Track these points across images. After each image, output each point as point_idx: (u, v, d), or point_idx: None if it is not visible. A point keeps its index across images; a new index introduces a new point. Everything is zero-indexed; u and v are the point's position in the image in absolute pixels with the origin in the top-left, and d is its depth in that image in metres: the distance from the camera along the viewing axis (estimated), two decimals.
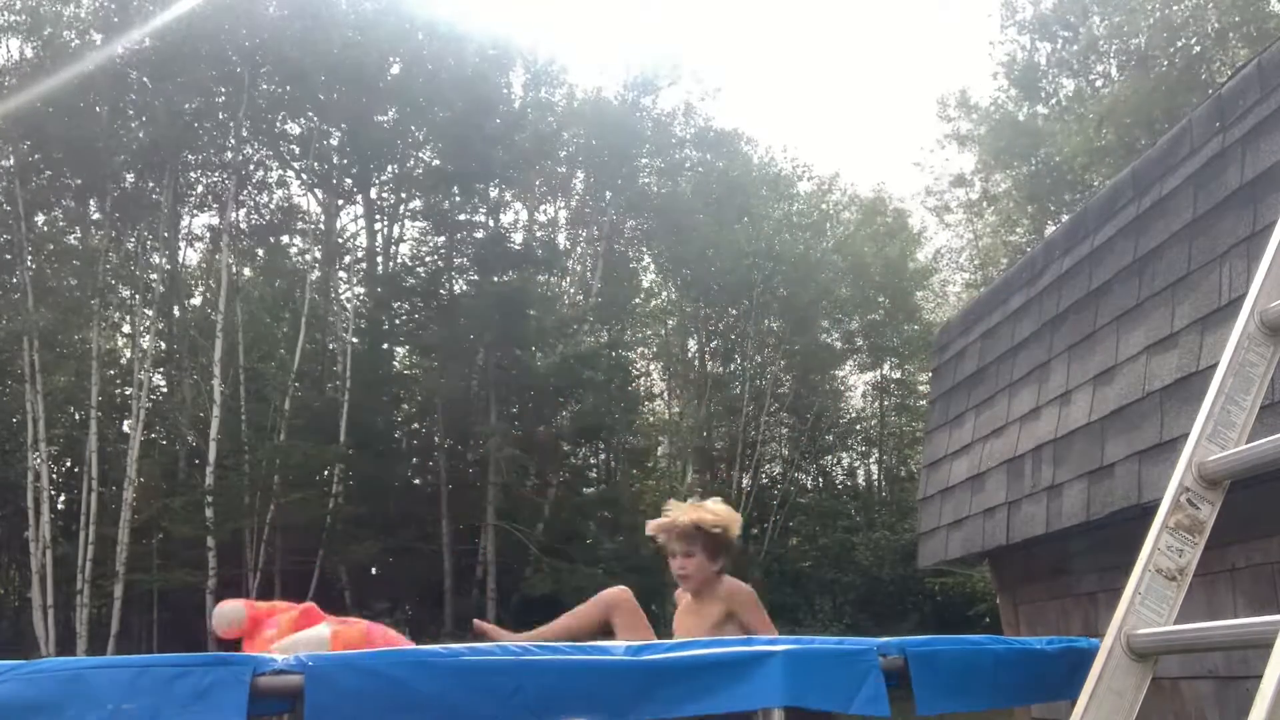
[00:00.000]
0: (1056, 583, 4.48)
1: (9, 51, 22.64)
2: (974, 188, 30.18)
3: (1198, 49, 23.63)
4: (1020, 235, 28.60)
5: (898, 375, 34.67)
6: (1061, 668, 2.77)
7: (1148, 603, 1.90)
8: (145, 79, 23.30)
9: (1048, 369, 4.32)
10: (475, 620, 3.55)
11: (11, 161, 22.14)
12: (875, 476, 34.86)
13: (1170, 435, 3.41)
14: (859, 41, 65.30)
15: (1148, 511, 3.52)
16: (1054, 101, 27.30)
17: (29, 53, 22.60)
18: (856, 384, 35.44)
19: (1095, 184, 24.54)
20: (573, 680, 2.11)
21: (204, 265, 28.80)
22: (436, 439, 25.21)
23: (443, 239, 26.35)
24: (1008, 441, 4.53)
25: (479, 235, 25.30)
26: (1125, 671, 1.85)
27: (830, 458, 34.91)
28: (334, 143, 26.51)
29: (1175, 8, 23.93)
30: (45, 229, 24.72)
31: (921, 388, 33.37)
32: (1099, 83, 26.70)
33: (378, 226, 28.73)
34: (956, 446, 5.11)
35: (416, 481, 26.60)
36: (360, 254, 28.34)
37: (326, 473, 23.70)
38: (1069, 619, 4.39)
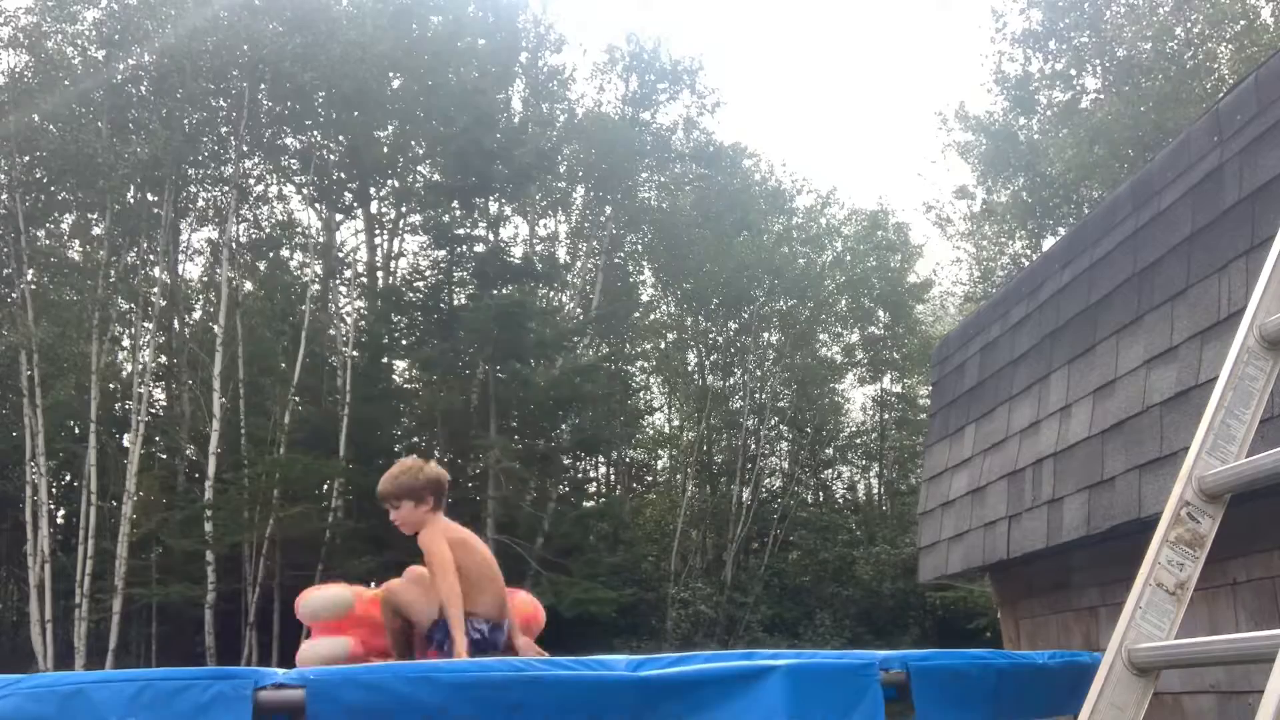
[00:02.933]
0: (1057, 597, 4.47)
1: (10, 66, 22.70)
2: (975, 200, 30.23)
3: (1190, 64, 23.71)
4: (1019, 247, 28.65)
5: (898, 389, 34.66)
6: (1063, 682, 2.78)
7: (1149, 617, 1.90)
8: (146, 93, 23.37)
9: (1047, 382, 4.33)
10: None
11: (10, 175, 22.17)
12: (876, 490, 34.83)
13: (1170, 449, 3.41)
14: (857, 54, 65.53)
15: (1148, 525, 3.52)
16: (1048, 114, 27.37)
17: (30, 68, 22.64)
18: (856, 397, 35.47)
19: (1090, 198, 24.58)
20: (574, 695, 2.11)
21: (204, 279, 28.84)
22: (436, 452, 25.17)
23: (443, 253, 26.38)
24: (1008, 455, 4.53)
25: (479, 249, 25.32)
26: (1127, 686, 1.85)
27: (830, 471, 34.89)
28: (334, 157, 26.57)
29: (1160, 13, 24.03)
30: (46, 243, 24.75)
31: (922, 401, 33.34)
32: (1089, 96, 26.77)
33: (377, 240, 28.78)
34: (957, 460, 5.12)
35: None
36: (360, 268, 28.38)
37: (326, 486, 23.66)
38: (1070, 633, 4.38)
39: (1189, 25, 24.22)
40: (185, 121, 23.36)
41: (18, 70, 22.50)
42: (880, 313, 33.80)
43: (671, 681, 2.17)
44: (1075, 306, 4.25)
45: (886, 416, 34.25)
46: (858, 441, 34.77)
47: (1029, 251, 27.43)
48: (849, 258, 32.79)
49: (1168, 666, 1.88)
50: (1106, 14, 25.48)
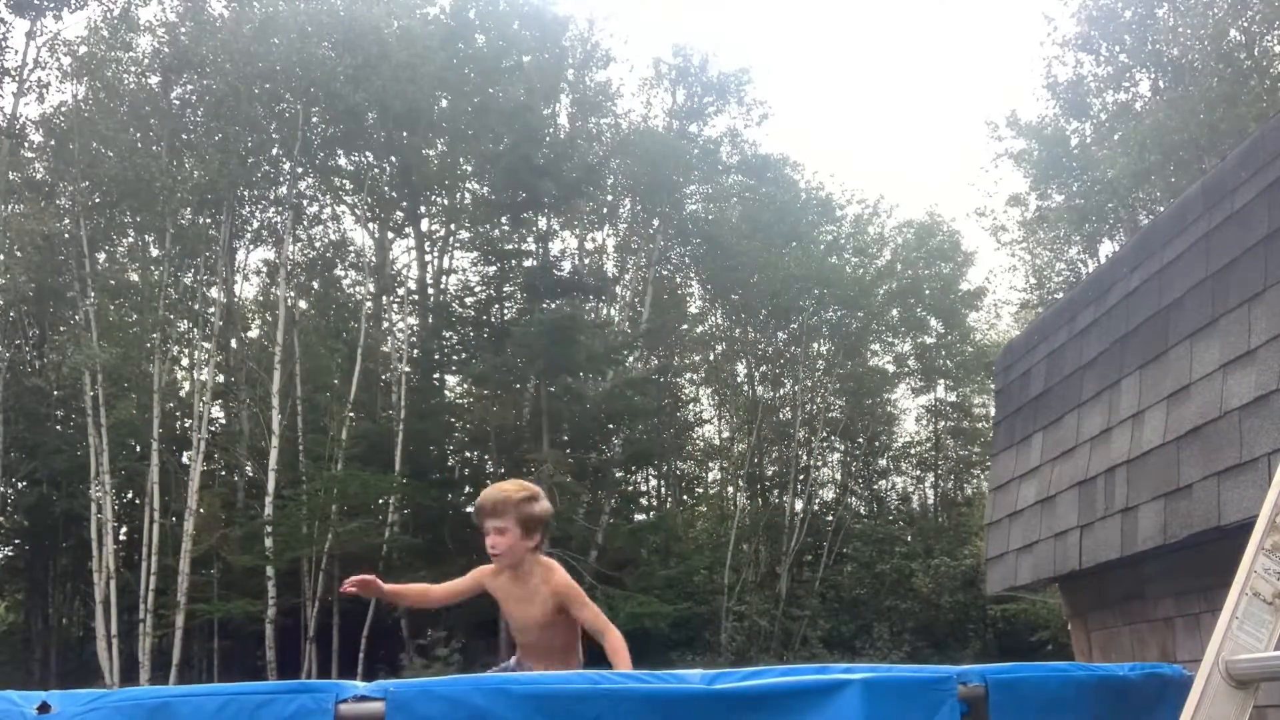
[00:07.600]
0: (1130, 608, 4.37)
1: (70, 96, 23.25)
2: (1029, 207, 29.73)
3: (1248, 63, 23.15)
4: (1074, 253, 28.16)
5: (952, 398, 34.20)
6: (1145, 695, 2.70)
7: (1246, 627, 1.85)
8: (202, 118, 23.83)
9: (1118, 388, 4.24)
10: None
11: (73, 201, 22.70)
12: (930, 501, 34.38)
13: (1251, 455, 3.32)
14: (900, 62, 65.11)
15: (1227, 534, 3.43)
16: (1101, 118, 26.84)
17: (89, 97, 23.17)
18: (910, 407, 35.06)
19: (1145, 201, 24.12)
20: (650, 708, 2.09)
21: (260, 298, 29.31)
22: (489, 467, 25.32)
23: (492, 269, 26.58)
24: (1078, 463, 4.44)
25: (528, 264, 25.47)
26: (1225, 699, 1.80)
27: (884, 483, 34.52)
28: (385, 176, 26.89)
29: (1214, 11, 23.46)
30: (106, 266, 25.29)
31: (976, 410, 32.90)
32: (1142, 99, 26.21)
33: (428, 258, 29.06)
34: (1024, 469, 5.03)
35: (470, 510, 26.69)
36: (411, 285, 28.67)
37: (382, 501, 23.90)
38: (1144, 645, 4.28)
39: (1244, 24, 23.64)
40: (240, 145, 23.78)
41: (79, 99, 23.05)
42: (933, 321, 33.43)
43: (747, 695, 2.14)
44: (1146, 310, 4.16)
45: (940, 426, 33.82)
46: (911, 452, 34.37)
47: (1085, 257, 26.97)
48: (900, 266, 32.47)
49: (1269, 679, 1.82)
50: (1158, 13, 24.90)
